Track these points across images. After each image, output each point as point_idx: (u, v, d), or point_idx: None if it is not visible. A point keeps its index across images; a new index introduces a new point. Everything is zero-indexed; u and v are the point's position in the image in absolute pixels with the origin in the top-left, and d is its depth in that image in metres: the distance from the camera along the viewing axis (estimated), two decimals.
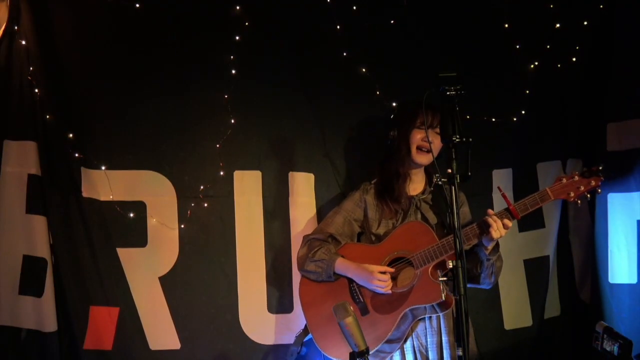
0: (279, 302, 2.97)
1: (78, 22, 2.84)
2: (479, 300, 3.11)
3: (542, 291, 3.27)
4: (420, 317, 2.52)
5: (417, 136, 2.61)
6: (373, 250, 2.59)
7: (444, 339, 2.54)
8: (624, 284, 3.12)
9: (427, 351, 2.56)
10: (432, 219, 2.64)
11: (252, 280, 2.96)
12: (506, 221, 2.41)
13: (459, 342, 2.05)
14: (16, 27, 2.73)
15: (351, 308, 2.10)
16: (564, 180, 2.46)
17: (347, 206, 2.74)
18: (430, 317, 2.54)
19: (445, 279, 2.47)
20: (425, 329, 2.56)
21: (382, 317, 2.50)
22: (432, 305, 2.46)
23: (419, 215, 2.64)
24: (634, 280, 3.09)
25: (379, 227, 2.66)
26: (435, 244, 2.47)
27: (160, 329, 2.87)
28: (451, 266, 2.08)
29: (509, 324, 3.23)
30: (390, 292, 2.48)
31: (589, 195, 2.49)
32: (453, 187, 2.11)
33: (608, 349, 2.58)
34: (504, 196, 2.45)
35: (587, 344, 3.14)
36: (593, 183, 2.45)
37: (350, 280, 2.58)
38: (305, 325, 2.70)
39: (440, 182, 2.37)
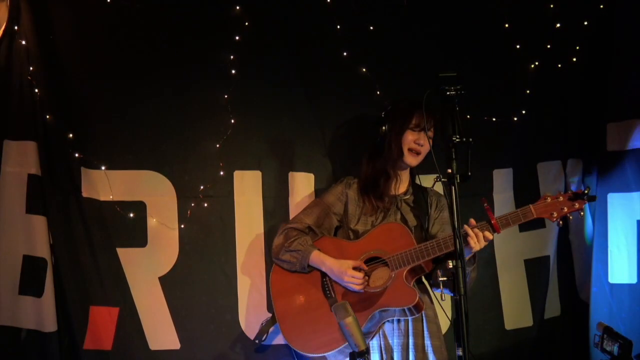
0: None
1: (78, 22, 2.84)
2: (479, 300, 3.11)
3: (542, 291, 3.27)
4: (388, 319, 2.51)
5: (410, 137, 2.59)
6: (350, 247, 2.58)
7: (411, 341, 2.53)
8: (624, 284, 3.12)
9: (392, 352, 2.55)
10: (412, 220, 2.63)
11: (252, 280, 2.96)
12: (487, 233, 2.39)
13: (458, 342, 2.04)
14: (16, 27, 2.73)
15: (351, 308, 2.10)
16: (549, 200, 2.45)
17: (328, 199, 2.71)
18: (398, 319, 2.53)
19: (444, 279, 2.46)
20: (393, 330, 2.55)
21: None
22: (403, 309, 2.45)
23: (399, 216, 2.63)
24: (634, 280, 3.09)
25: (357, 223, 2.64)
26: (413, 248, 2.46)
27: (160, 329, 2.87)
28: (451, 266, 2.08)
29: (510, 324, 3.23)
30: (362, 290, 2.48)
31: (570, 217, 2.48)
32: (453, 187, 2.11)
33: (608, 349, 2.58)
34: (487, 209, 2.41)
35: (587, 344, 3.16)
36: (577, 205, 2.44)
37: (324, 274, 2.56)
38: (273, 315, 2.68)
39: (440, 181, 2.36)
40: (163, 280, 2.88)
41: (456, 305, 2.07)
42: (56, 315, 2.75)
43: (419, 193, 2.69)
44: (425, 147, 2.57)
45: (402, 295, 2.44)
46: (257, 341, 2.71)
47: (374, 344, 2.55)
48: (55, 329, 2.75)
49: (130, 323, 2.85)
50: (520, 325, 3.25)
